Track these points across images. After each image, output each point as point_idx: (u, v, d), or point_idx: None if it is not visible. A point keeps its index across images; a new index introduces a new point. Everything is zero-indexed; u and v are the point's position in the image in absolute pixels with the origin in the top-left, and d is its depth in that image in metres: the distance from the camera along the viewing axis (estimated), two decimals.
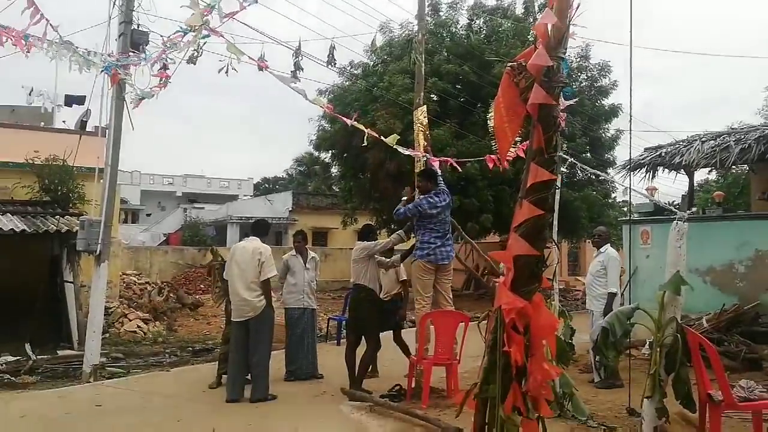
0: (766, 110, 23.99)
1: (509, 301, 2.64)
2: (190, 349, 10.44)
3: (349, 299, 7.29)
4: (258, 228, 7.13)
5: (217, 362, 7.58)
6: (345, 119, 7.18)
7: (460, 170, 9.46)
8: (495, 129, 2.79)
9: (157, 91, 6.51)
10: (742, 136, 9.72)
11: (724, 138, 10.08)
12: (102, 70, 6.94)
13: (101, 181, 8.49)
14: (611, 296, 7.16)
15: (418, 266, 6.61)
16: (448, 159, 7.94)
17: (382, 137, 7.28)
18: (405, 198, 7.16)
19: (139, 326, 11.77)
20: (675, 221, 4.71)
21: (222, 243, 27.88)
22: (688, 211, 6.10)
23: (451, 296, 6.99)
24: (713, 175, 20.05)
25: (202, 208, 38.70)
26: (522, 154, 6.48)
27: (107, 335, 10.57)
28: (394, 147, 7.27)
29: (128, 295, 14.48)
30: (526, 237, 2.67)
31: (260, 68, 6.21)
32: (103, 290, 8.18)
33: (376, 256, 7.04)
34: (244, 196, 45.28)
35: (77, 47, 7.29)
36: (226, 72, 6.84)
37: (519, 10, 20.65)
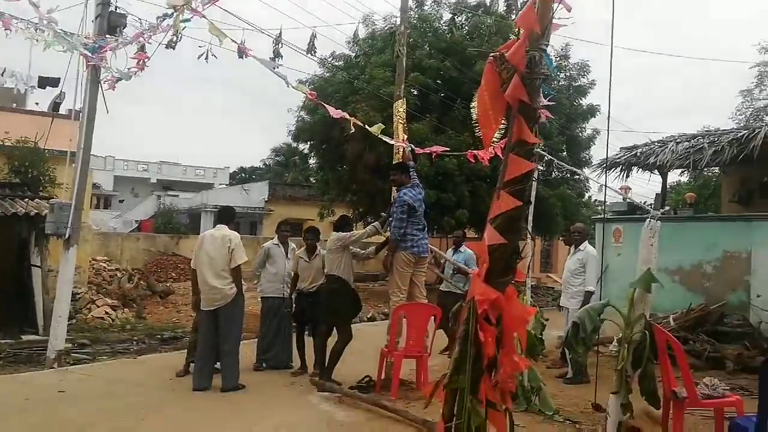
0: (739, 114, 24.50)
1: (483, 292, 2.63)
2: (159, 337, 10.32)
3: (322, 289, 7.26)
4: (224, 215, 7.02)
5: (186, 350, 7.49)
6: (328, 107, 7.08)
7: (441, 158, 9.46)
8: (478, 116, 2.77)
9: (134, 72, 6.38)
10: (716, 139, 9.89)
11: (698, 140, 10.24)
12: (79, 51, 6.78)
13: (73, 164, 8.31)
14: (588, 295, 7.18)
15: (401, 258, 6.60)
16: (434, 148, 7.91)
17: (366, 126, 7.23)
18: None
19: (107, 313, 11.60)
20: (648, 219, 4.76)
21: (196, 231, 27.54)
22: (661, 210, 6.17)
23: (424, 290, 7.00)
24: (685, 177, 20.41)
25: (177, 195, 38.22)
26: (500, 153, 6.52)
27: (74, 321, 10.40)
28: (379, 136, 7.22)
29: (97, 281, 14.26)
30: (502, 228, 2.66)
31: (240, 54, 6.12)
32: (71, 275, 8.02)
33: (351, 247, 7.01)
34: (220, 184, 44.81)
35: (57, 27, 7.12)
36: (206, 58, 6.73)
37: (501, 7, 20.73)
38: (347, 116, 7.06)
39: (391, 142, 7.35)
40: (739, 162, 9.70)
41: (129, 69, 6.79)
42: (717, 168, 13.35)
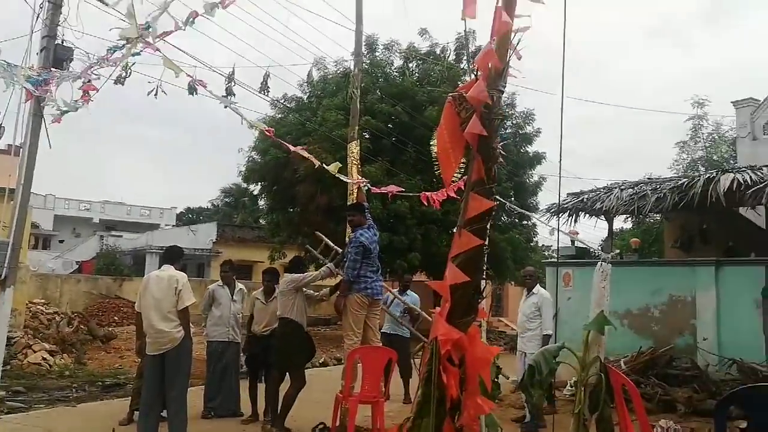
0: (676, 164, 25.64)
1: (445, 332, 2.58)
2: (100, 383, 9.81)
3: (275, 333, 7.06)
4: (170, 255, 6.75)
5: (130, 397, 7.11)
6: (289, 146, 7.01)
7: (394, 201, 9.49)
8: (438, 155, 2.77)
9: (80, 105, 6.15)
10: (658, 186, 10.25)
11: (641, 187, 10.60)
12: (20, 83, 6.53)
13: (12, 202, 7.93)
14: (547, 338, 7.19)
15: (354, 300, 6.47)
16: (391, 188, 7.90)
17: (324, 165, 7.18)
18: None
19: (44, 358, 10.98)
20: (600, 262, 4.83)
21: (140, 273, 26.67)
22: (611, 254, 6.32)
23: (379, 333, 6.89)
24: (629, 224, 21.07)
25: (120, 236, 37.09)
26: (452, 194, 6.57)
27: (8, 367, 9.76)
28: (336, 175, 7.15)
29: (34, 325, 13.53)
30: (463, 267, 2.63)
31: (191, 90, 6.01)
32: (6, 318, 7.53)
33: (304, 289, 6.87)
34: (166, 225, 43.78)
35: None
36: (155, 94, 6.59)
37: (451, 55, 21.32)
38: (306, 153, 7.00)
39: (349, 180, 7.32)
40: (680, 209, 10.06)
41: (75, 101, 6.56)
42: (659, 214, 13.84)
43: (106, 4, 4.93)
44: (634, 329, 9.73)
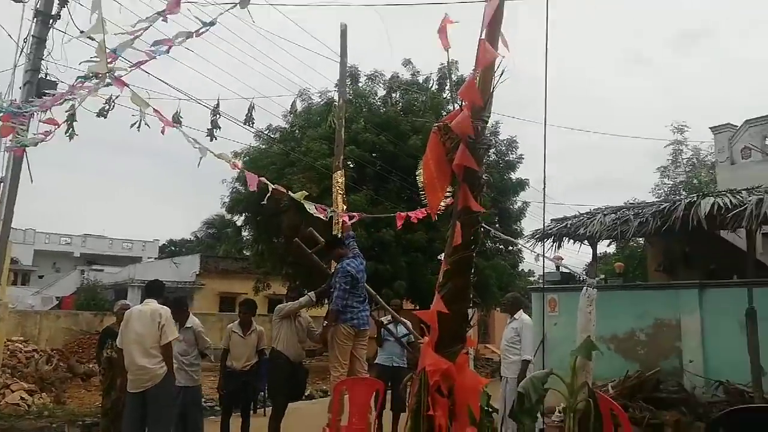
0: (658, 189, 26.00)
1: (433, 362, 2.57)
2: (81, 423, 9.54)
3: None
4: (152, 289, 6.62)
5: None
6: (248, 174, 6.69)
7: (378, 229, 9.42)
8: (425, 184, 2.79)
9: (40, 139, 6.02)
10: (640, 211, 10.36)
11: (623, 212, 10.71)
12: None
13: None
14: (525, 363, 7.17)
15: (340, 331, 6.39)
16: (357, 214, 7.83)
17: (290, 192, 7.03)
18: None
19: (22, 398, 10.69)
20: (585, 288, 4.86)
21: None
22: (596, 279, 6.36)
23: (366, 364, 6.82)
24: (612, 249, 21.24)
25: (102, 270, 36.59)
26: (434, 216, 6.52)
27: None
28: (302, 202, 7.03)
29: (12, 363, 13.19)
30: (451, 296, 2.63)
31: (176, 120, 6.01)
32: None
33: (306, 324, 6.84)
34: (149, 258, 43.32)
35: None
36: (138, 127, 6.56)
37: (434, 85, 21.59)
38: (270, 183, 6.80)
39: (312, 209, 7.15)
40: (662, 233, 10.16)
41: (35, 134, 6.46)
42: (642, 239, 13.97)
43: (92, 38, 4.91)
44: (621, 353, 9.73)
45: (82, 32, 5.60)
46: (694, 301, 9.28)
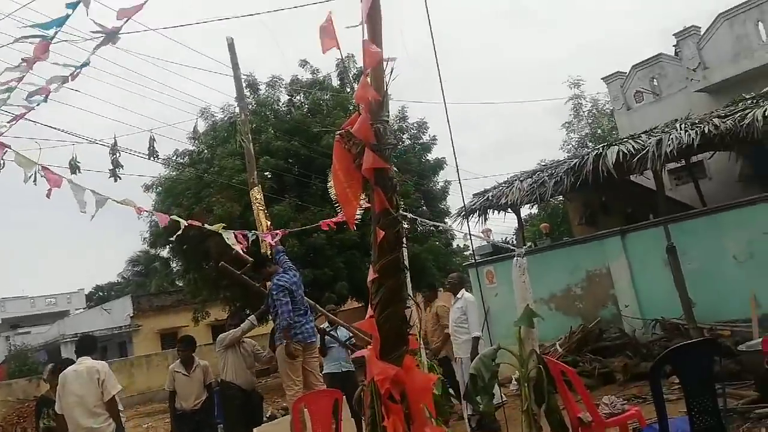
0: (567, 145, 27.02)
1: (381, 371, 2.54)
2: None
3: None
4: (84, 346, 6.28)
5: None
6: (163, 216, 6.35)
7: (309, 235, 9.28)
8: (338, 196, 2.75)
9: None
10: (554, 171, 10.74)
11: (538, 175, 11.07)
12: None
13: None
14: (476, 340, 7.25)
15: (287, 349, 6.29)
16: (278, 232, 7.61)
17: (206, 225, 6.73)
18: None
19: None
20: (515, 258, 4.96)
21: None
22: (523, 247, 6.52)
23: (320, 375, 6.75)
24: (536, 209, 21.95)
25: (29, 332, 34.61)
26: (353, 227, 6.43)
27: None
28: (220, 232, 6.65)
29: None
30: (385, 301, 2.61)
31: (73, 170, 5.71)
32: None
33: (252, 348, 6.70)
34: (77, 310, 41.22)
35: None
36: (34, 181, 6.16)
37: (335, 81, 21.52)
38: (181, 219, 6.40)
39: (230, 240, 6.68)
40: (578, 188, 10.58)
41: None
42: (561, 196, 14.49)
43: None
44: (562, 311, 10.08)
45: None
46: (618, 247, 9.71)
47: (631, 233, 9.83)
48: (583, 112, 27.38)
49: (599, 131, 25.31)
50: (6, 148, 4.04)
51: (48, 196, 4.54)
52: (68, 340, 27.11)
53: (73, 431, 5.78)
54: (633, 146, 9.65)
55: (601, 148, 10.34)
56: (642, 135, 10.11)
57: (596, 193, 12.76)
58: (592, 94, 27.14)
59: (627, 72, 15.88)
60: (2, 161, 6.02)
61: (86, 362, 5.98)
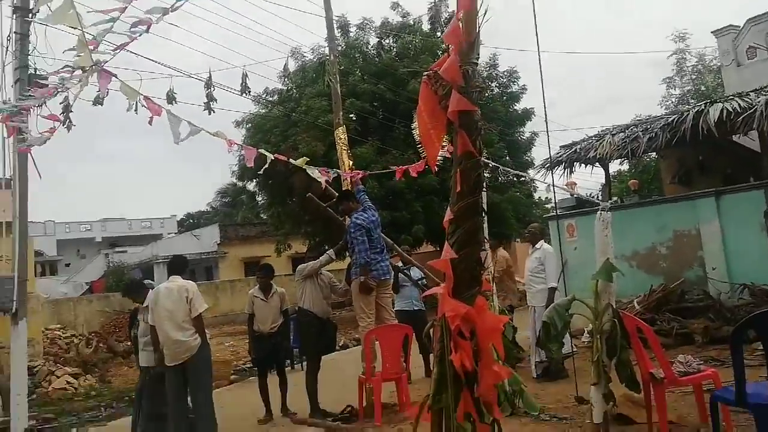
0: (666, 101, 25.55)
1: (452, 308, 2.62)
2: (128, 399, 9.91)
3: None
4: (176, 266, 6.72)
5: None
6: (251, 150, 6.48)
7: (389, 178, 9.35)
8: (421, 137, 2.79)
9: (47, 137, 6.00)
10: (649, 126, 10.24)
11: (632, 129, 10.60)
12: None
13: (10, 235, 7.96)
14: (552, 291, 7.25)
15: (360, 284, 6.52)
16: (359, 172, 7.73)
17: (291, 159, 6.93)
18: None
19: (68, 382, 11.09)
20: (599, 212, 4.86)
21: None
22: (609, 201, 6.34)
23: (392, 311, 6.96)
24: (625, 166, 21.08)
25: (125, 251, 37.22)
26: (434, 169, 6.36)
27: (34, 396, 9.91)
28: (304, 168, 6.81)
29: (53, 350, 13.68)
30: (462, 242, 2.67)
31: (170, 100, 5.98)
32: (24, 350, 7.62)
33: (329, 280, 6.96)
34: (169, 234, 43.84)
35: None
36: (135, 110, 6.52)
37: (426, 26, 21.11)
38: (268, 153, 6.64)
39: (314, 174, 6.91)
40: (674, 145, 10.06)
41: (42, 133, 6.47)
42: (654, 153, 13.85)
43: (75, 27, 4.85)
44: (644, 269, 9.80)
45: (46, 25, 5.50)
46: (711, 208, 9.26)
47: (728, 195, 9.31)
48: (687, 67, 25.68)
49: (703, 88, 23.72)
50: (112, 77, 4.28)
51: (150, 123, 4.81)
52: (160, 261, 28.99)
53: (163, 341, 6.28)
54: (739, 104, 9.03)
55: (703, 105, 9.74)
56: (751, 93, 9.42)
57: (694, 152, 12.10)
58: (698, 48, 25.38)
59: (741, 26, 14.69)
60: (107, 90, 6.44)
61: (177, 281, 6.42)
